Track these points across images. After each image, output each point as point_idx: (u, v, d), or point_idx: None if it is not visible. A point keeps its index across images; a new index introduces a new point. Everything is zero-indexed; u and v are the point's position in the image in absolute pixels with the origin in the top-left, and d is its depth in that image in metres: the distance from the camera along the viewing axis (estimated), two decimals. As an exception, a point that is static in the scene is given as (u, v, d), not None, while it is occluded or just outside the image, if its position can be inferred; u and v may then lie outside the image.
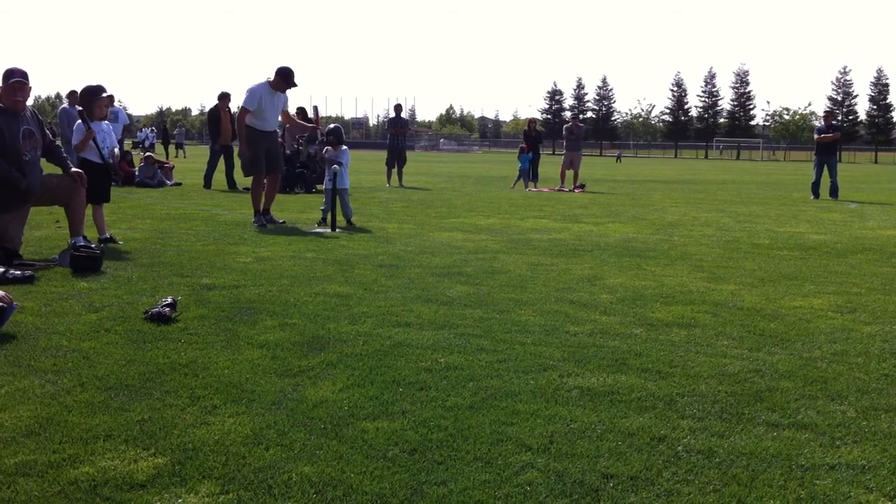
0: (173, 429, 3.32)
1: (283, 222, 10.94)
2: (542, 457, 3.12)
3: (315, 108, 17.22)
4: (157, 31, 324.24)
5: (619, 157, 72.66)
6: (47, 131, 7.71)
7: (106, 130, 8.82)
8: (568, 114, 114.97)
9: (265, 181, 11.14)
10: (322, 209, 10.98)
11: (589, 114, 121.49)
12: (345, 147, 11.38)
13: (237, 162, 18.26)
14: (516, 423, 3.48)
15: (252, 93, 10.78)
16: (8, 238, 7.01)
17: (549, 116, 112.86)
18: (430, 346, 4.66)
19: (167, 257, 7.65)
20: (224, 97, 18.36)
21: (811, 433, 3.44)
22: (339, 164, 10.84)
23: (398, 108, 22.25)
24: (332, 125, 12.01)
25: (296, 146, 18.43)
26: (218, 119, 18.34)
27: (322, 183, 17.96)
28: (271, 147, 11.12)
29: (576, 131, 21.96)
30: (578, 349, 4.66)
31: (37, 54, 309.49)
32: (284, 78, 10.93)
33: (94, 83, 8.98)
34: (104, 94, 9.03)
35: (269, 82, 10.88)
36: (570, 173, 21.51)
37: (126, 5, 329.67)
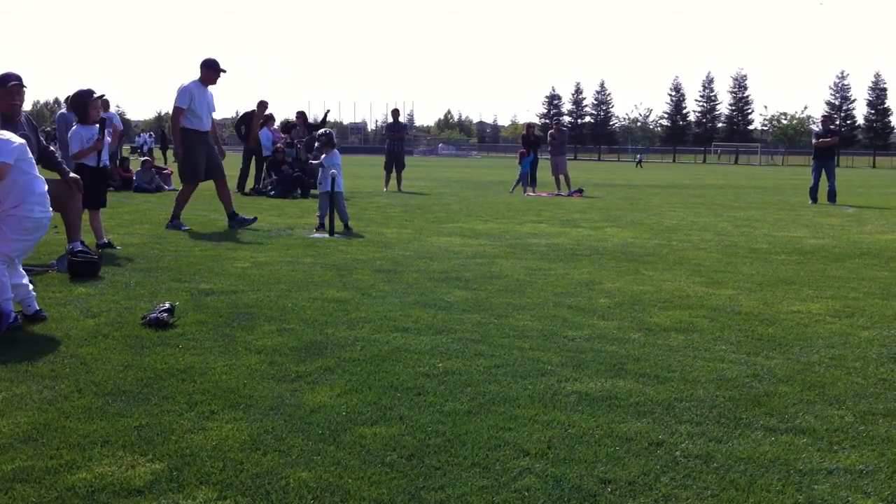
0: (171, 434, 3.32)
1: (255, 218, 10.71)
2: (539, 462, 3.12)
3: (301, 117, 17.50)
4: (156, 36, 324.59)
5: (639, 162, 71.00)
6: (41, 137, 7.70)
7: (95, 135, 8.79)
8: (566, 118, 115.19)
9: (216, 188, 11.02)
10: (318, 215, 10.96)
11: (587, 118, 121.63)
12: (336, 150, 11.33)
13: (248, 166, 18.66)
14: (514, 428, 3.48)
15: (183, 90, 10.51)
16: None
17: (547, 121, 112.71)
18: (428, 351, 4.66)
19: (165, 262, 7.65)
20: (262, 105, 19.10)
21: (809, 438, 3.44)
22: (335, 166, 10.84)
23: (395, 112, 22.24)
24: (322, 129, 11.96)
25: (293, 149, 18.56)
26: (249, 122, 19.01)
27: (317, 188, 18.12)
28: (211, 154, 10.85)
29: (558, 136, 22.04)
30: (576, 354, 4.66)
31: (34, 59, 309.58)
32: (213, 68, 10.68)
33: (84, 87, 8.97)
34: (95, 96, 9.01)
35: (198, 79, 10.65)
36: (561, 178, 21.58)
37: (124, 10, 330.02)
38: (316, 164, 10.91)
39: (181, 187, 11.12)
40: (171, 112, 10.79)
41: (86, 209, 8.25)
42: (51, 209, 5.23)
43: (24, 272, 5.28)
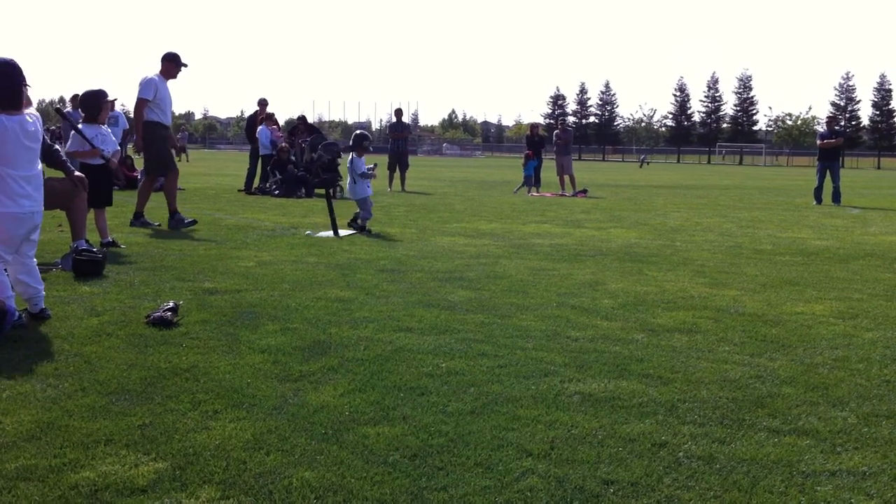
0: (174, 433, 3.32)
1: (195, 221, 10.66)
2: (542, 462, 3.12)
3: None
4: (159, 35, 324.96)
5: (643, 163, 71.94)
6: (45, 136, 7.70)
7: (105, 135, 8.84)
8: (571, 118, 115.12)
9: (149, 184, 10.94)
10: (363, 217, 10.82)
11: (592, 118, 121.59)
12: (353, 154, 11.31)
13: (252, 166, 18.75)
14: (517, 428, 3.48)
15: (148, 82, 10.40)
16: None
17: (551, 121, 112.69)
18: (432, 351, 4.67)
19: (169, 261, 7.66)
20: (262, 103, 19.33)
21: (812, 439, 3.44)
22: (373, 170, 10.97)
23: (399, 112, 22.22)
24: (359, 131, 11.80)
25: (296, 148, 18.65)
26: (255, 123, 19.33)
27: (323, 188, 18.15)
28: (169, 145, 10.84)
29: (563, 136, 22.08)
30: (580, 354, 4.66)
31: (39, 58, 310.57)
32: (174, 61, 10.61)
33: (94, 88, 9.02)
34: (108, 99, 9.10)
35: (160, 72, 10.57)
36: (566, 178, 21.61)
37: (127, 9, 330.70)
38: (368, 175, 10.91)
39: (168, 182, 10.98)
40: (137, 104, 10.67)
41: (90, 208, 8.27)
42: (27, 206, 5.06)
43: (38, 273, 5.26)
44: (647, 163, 73.10)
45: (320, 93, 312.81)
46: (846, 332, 5.43)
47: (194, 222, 10.68)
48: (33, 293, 5.15)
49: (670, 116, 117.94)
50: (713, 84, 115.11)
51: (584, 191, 21.28)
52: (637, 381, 4.18)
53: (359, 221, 10.73)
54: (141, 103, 10.43)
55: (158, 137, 10.60)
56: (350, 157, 11.16)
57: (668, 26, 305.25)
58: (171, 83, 10.75)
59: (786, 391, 4.08)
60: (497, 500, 2.80)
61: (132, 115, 12.02)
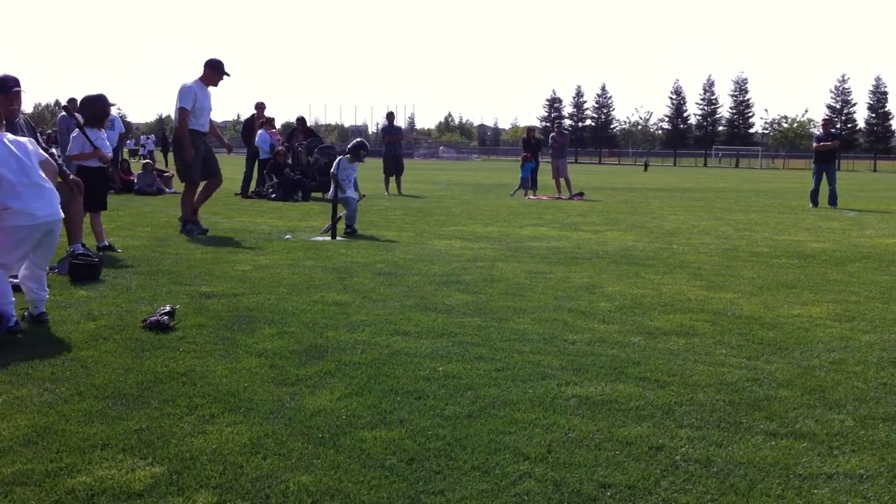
0: (171, 438, 3.32)
1: (207, 230, 10.55)
2: (539, 466, 3.12)
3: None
4: (157, 39, 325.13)
5: (646, 165, 72.27)
6: (41, 139, 7.69)
7: (102, 139, 8.84)
8: (567, 121, 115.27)
9: (206, 185, 10.93)
10: (348, 217, 10.88)
11: (588, 121, 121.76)
12: (342, 159, 11.32)
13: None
14: (514, 432, 3.48)
15: (188, 90, 10.33)
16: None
17: (548, 124, 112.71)
18: (429, 354, 4.66)
19: (166, 265, 7.65)
20: (260, 107, 19.46)
21: (809, 442, 3.44)
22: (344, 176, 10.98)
23: (391, 115, 22.18)
24: (359, 139, 11.83)
25: (293, 150, 18.68)
26: (251, 127, 19.41)
27: (320, 191, 18.18)
28: (207, 150, 10.73)
29: (559, 139, 22.13)
30: (577, 358, 4.66)
31: (36, 61, 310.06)
32: (216, 69, 10.50)
33: (93, 92, 9.01)
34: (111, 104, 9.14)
35: (200, 79, 10.50)
36: (562, 181, 21.63)
37: (125, 12, 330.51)
38: (341, 182, 10.95)
39: (185, 189, 10.90)
40: (174, 114, 10.64)
41: (86, 212, 8.26)
42: (40, 216, 5.04)
43: (45, 282, 5.27)
44: (648, 165, 73.41)
45: (316, 96, 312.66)
46: (843, 334, 5.43)
47: (205, 231, 10.60)
48: (36, 297, 5.19)
49: (666, 119, 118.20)
50: (709, 87, 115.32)
51: (581, 194, 21.30)
52: (634, 385, 4.18)
53: (348, 229, 10.71)
54: (182, 113, 10.36)
55: (193, 146, 10.53)
56: (338, 159, 11.18)
57: (664, 29, 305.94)
58: (183, 87, 10.65)
59: (783, 394, 4.09)
60: (494, 504, 2.80)
61: (129, 119, 12.03)
